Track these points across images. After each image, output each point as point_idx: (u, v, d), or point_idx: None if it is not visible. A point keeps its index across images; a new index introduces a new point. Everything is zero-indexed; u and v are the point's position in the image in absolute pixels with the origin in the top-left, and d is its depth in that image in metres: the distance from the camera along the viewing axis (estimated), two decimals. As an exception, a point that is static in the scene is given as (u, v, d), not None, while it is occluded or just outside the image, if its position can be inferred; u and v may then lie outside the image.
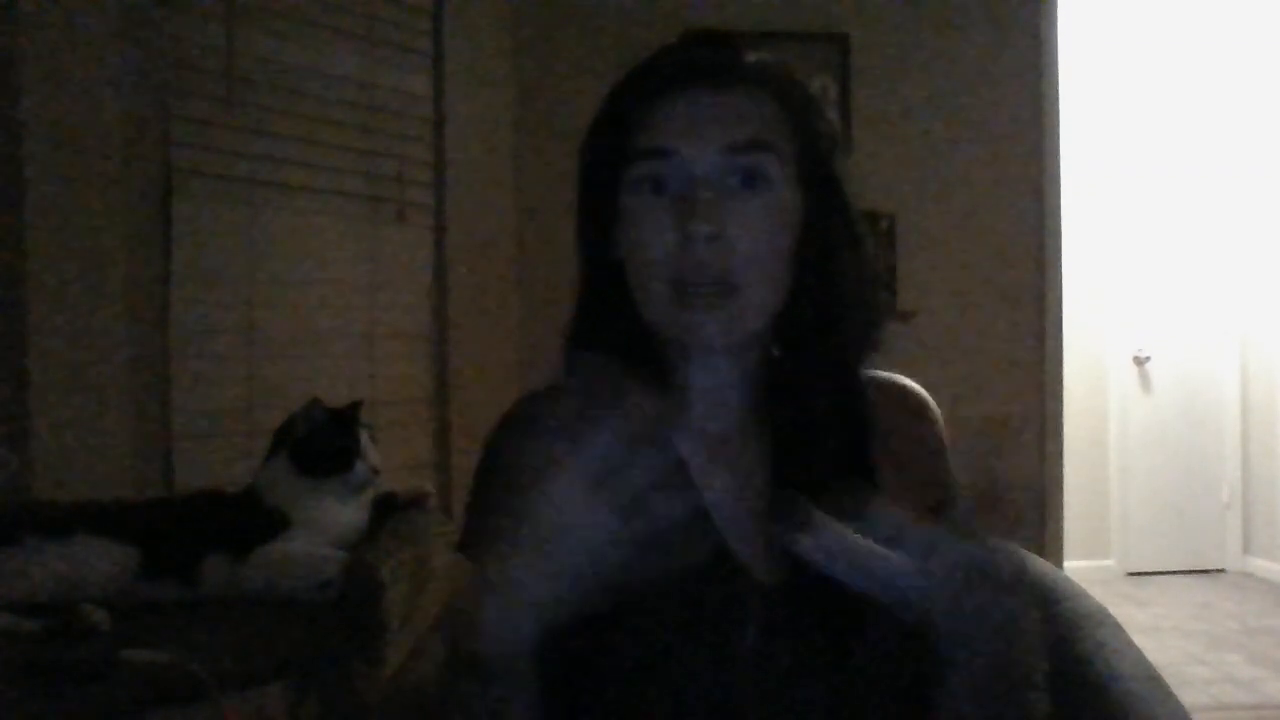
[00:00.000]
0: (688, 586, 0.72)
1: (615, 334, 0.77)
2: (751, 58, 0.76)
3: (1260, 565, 4.62)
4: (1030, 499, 2.95)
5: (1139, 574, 4.65)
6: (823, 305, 0.75)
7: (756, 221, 0.71)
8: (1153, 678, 0.80)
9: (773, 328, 0.76)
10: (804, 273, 0.75)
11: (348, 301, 2.28)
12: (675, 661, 0.70)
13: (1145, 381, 4.74)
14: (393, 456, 1.86)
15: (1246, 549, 4.72)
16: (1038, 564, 0.98)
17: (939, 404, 0.83)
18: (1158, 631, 3.74)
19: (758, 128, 0.72)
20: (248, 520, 1.48)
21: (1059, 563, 2.84)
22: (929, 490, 0.77)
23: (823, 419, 0.75)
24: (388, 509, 1.64)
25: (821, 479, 0.73)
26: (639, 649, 0.70)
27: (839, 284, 0.76)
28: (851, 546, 0.61)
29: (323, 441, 1.54)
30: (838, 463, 0.74)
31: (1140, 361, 4.71)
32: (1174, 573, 4.64)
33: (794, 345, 0.77)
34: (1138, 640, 0.86)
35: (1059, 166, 2.98)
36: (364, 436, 1.57)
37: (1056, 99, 2.97)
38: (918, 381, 0.84)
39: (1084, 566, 4.43)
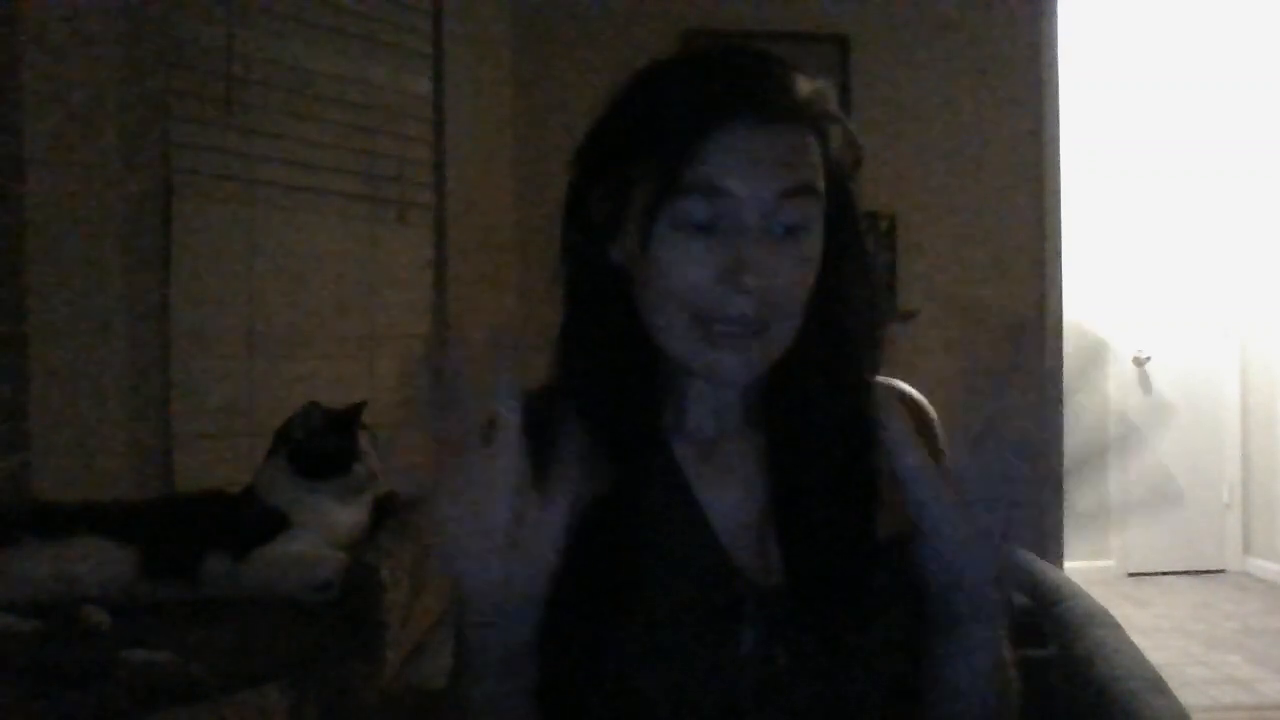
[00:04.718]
0: (685, 590, 0.72)
1: (610, 338, 0.76)
2: (804, 87, 0.72)
3: (1260, 565, 4.62)
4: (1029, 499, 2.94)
5: (1139, 574, 4.65)
6: (830, 325, 0.75)
7: (795, 269, 0.70)
8: (1153, 678, 0.80)
9: None
10: (816, 296, 0.73)
11: (348, 301, 2.28)
12: (673, 665, 0.70)
13: (1145, 381, 4.74)
14: (393, 457, 1.86)
15: (1246, 549, 4.72)
16: (1038, 565, 0.98)
17: (939, 404, 0.82)
18: (1158, 631, 3.74)
19: (809, 172, 0.70)
20: (247, 520, 1.48)
21: (1059, 563, 2.83)
22: None
23: (820, 424, 0.74)
24: (388, 509, 1.64)
25: (818, 483, 0.73)
26: (637, 652, 0.70)
27: (845, 295, 0.75)
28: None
29: (320, 444, 1.54)
30: (836, 468, 0.74)
31: (1140, 361, 4.71)
32: (1174, 573, 4.64)
33: (800, 357, 0.75)
34: (1138, 640, 0.86)
35: (1059, 166, 2.98)
36: (364, 439, 1.57)
37: (1056, 99, 2.97)
38: (918, 381, 0.83)
39: (1084, 567, 4.43)
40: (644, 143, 0.71)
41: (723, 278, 0.68)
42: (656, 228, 0.70)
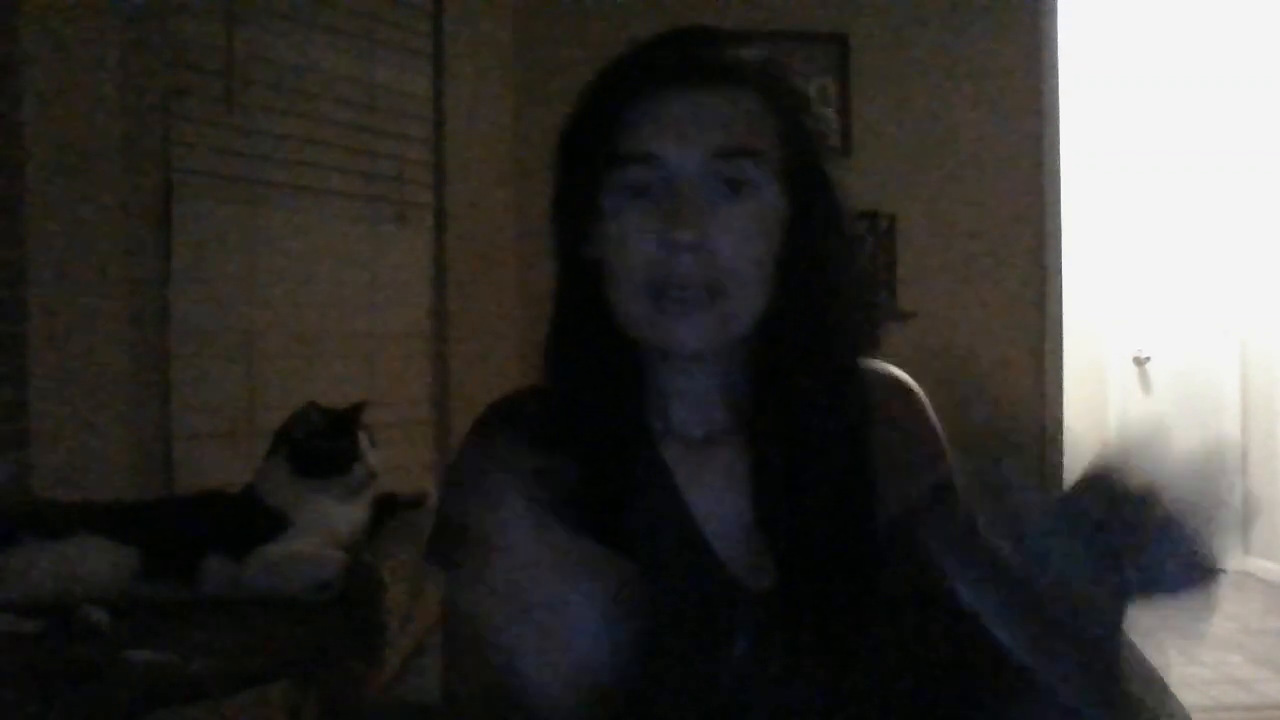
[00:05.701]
0: (676, 595, 0.71)
1: (592, 337, 0.75)
2: (739, 54, 0.73)
3: (1260, 565, 4.62)
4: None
5: (1139, 574, 4.65)
6: (809, 305, 0.74)
7: (740, 229, 0.70)
8: (1153, 678, 0.80)
9: (757, 328, 0.74)
10: (790, 274, 0.73)
11: (348, 301, 2.28)
12: (666, 671, 0.69)
13: (1145, 381, 4.73)
14: (393, 457, 1.86)
15: (1246, 549, 4.72)
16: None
17: (939, 405, 0.82)
18: (1158, 631, 3.74)
19: (744, 133, 0.71)
20: (247, 520, 1.48)
21: (1059, 563, 2.83)
22: (924, 478, 0.76)
23: (808, 419, 0.73)
24: (388, 509, 1.64)
25: (809, 483, 0.72)
26: (630, 659, 0.70)
27: (826, 283, 0.74)
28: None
29: (320, 444, 1.54)
30: (827, 466, 0.73)
31: (1140, 361, 4.71)
32: (1174, 573, 4.63)
33: (780, 344, 0.75)
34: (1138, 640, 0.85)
35: (1059, 166, 2.98)
36: (364, 439, 1.57)
37: (1056, 98, 2.97)
38: (919, 382, 0.83)
39: (1084, 566, 4.43)
40: (588, 125, 0.74)
41: (661, 237, 0.69)
42: (604, 203, 0.72)
